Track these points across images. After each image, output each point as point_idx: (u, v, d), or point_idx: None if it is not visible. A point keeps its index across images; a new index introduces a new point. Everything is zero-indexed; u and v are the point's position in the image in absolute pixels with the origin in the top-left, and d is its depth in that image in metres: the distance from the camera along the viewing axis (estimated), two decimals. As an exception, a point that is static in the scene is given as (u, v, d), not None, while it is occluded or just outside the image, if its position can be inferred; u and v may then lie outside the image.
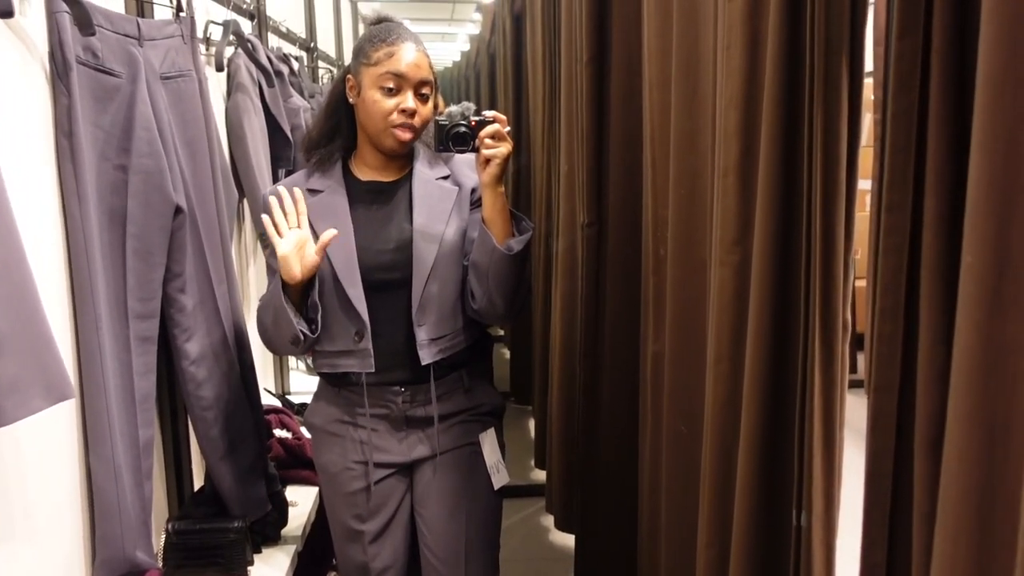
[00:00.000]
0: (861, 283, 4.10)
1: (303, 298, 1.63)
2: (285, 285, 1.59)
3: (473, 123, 1.58)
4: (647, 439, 1.71)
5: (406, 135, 1.63)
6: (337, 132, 1.73)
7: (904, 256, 0.77)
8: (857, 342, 4.49)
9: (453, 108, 1.61)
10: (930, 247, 0.70)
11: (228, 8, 2.45)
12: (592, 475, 2.15)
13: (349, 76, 1.67)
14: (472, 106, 1.61)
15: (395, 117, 1.61)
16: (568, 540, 2.86)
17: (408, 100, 1.61)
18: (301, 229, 1.58)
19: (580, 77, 2.05)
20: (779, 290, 1.09)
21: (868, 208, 3.40)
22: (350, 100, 1.68)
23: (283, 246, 1.55)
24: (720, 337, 1.21)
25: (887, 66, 0.77)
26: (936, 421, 0.74)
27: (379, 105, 1.60)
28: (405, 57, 1.60)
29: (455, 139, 1.59)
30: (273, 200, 1.60)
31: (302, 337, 1.61)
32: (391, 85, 1.60)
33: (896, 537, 0.84)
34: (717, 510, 1.24)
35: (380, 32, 1.64)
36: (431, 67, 1.65)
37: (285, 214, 1.58)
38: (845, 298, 1.00)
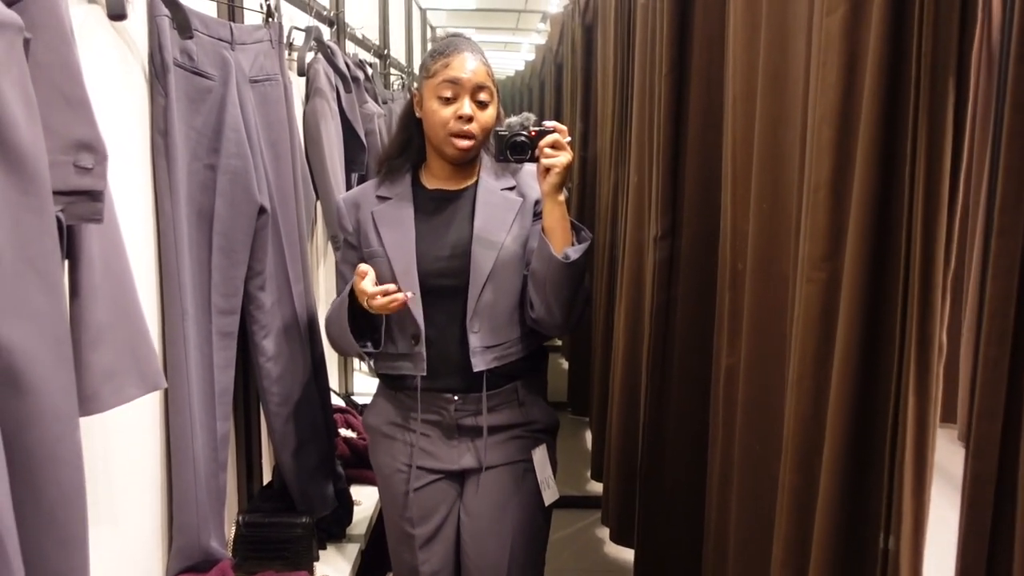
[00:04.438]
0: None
1: (368, 317, 1.68)
2: (354, 308, 1.64)
3: (533, 133, 1.60)
4: (717, 454, 1.70)
5: (463, 143, 1.65)
6: (408, 145, 1.77)
7: (1015, 280, 0.76)
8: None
9: (513, 119, 1.63)
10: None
11: (310, 15, 2.51)
12: (654, 488, 2.14)
13: (415, 91, 1.72)
14: (532, 116, 1.62)
15: (452, 124, 1.64)
16: (623, 553, 2.85)
17: (464, 106, 1.63)
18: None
19: (658, 88, 2.05)
20: (870, 309, 1.07)
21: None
22: (417, 114, 1.72)
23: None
24: (804, 354, 1.20)
25: (1001, 87, 0.76)
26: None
27: (437, 114, 1.64)
28: (460, 65, 1.63)
29: (513, 148, 1.61)
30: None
31: (367, 357, 1.70)
32: (448, 94, 1.63)
33: (994, 565, 0.83)
34: (795, 529, 1.22)
35: (440, 46, 1.68)
36: (490, 75, 1.67)
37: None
38: (942, 320, 0.99)
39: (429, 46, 1.83)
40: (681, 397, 2.03)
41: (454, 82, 1.62)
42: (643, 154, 2.28)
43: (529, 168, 1.72)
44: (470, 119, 1.64)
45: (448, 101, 1.63)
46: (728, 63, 1.67)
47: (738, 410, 1.56)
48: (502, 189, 1.73)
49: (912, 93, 0.98)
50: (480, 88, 1.64)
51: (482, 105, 1.66)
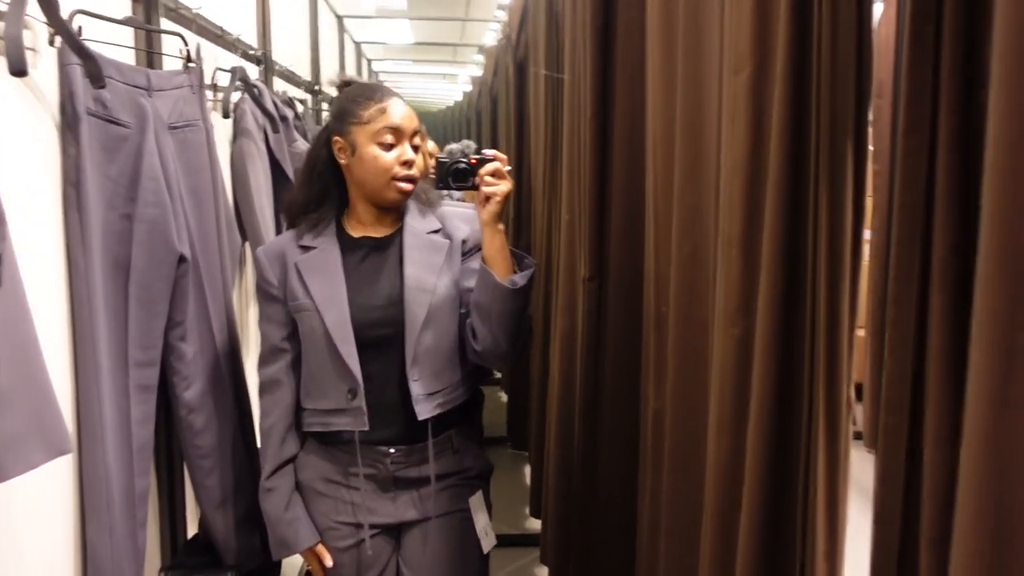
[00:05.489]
0: (861, 332, 4.11)
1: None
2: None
3: (473, 160, 1.60)
4: (646, 496, 1.70)
5: (409, 187, 1.65)
6: (326, 195, 1.72)
7: (909, 347, 0.77)
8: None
9: (454, 146, 1.64)
10: (936, 342, 0.71)
11: (237, 54, 2.48)
12: (590, 528, 2.14)
13: (337, 138, 1.67)
14: (472, 144, 1.64)
15: (398, 169, 1.63)
16: (563, 590, 2.83)
17: (407, 151, 1.64)
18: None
19: (583, 131, 2.07)
20: (782, 362, 1.09)
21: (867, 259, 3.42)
22: (341, 161, 1.68)
23: None
24: (722, 404, 1.21)
25: (893, 159, 0.78)
26: (942, 516, 0.74)
27: (380, 160, 1.62)
28: (397, 111, 1.64)
29: (455, 175, 1.60)
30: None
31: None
32: (390, 139, 1.62)
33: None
34: (717, 573, 1.23)
35: (364, 91, 1.68)
36: (417, 119, 1.70)
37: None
38: (849, 373, 1.01)
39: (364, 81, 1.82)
40: (612, 439, 2.04)
41: (395, 129, 1.62)
42: (573, 192, 2.29)
43: (453, 209, 1.72)
44: (412, 163, 1.64)
45: (389, 147, 1.63)
46: (648, 109, 1.70)
47: (665, 454, 1.57)
48: (428, 232, 1.72)
49: (814, 153, 1.00)
50: (415, 133, 1.66)
51: (416, 149, 1.67)
